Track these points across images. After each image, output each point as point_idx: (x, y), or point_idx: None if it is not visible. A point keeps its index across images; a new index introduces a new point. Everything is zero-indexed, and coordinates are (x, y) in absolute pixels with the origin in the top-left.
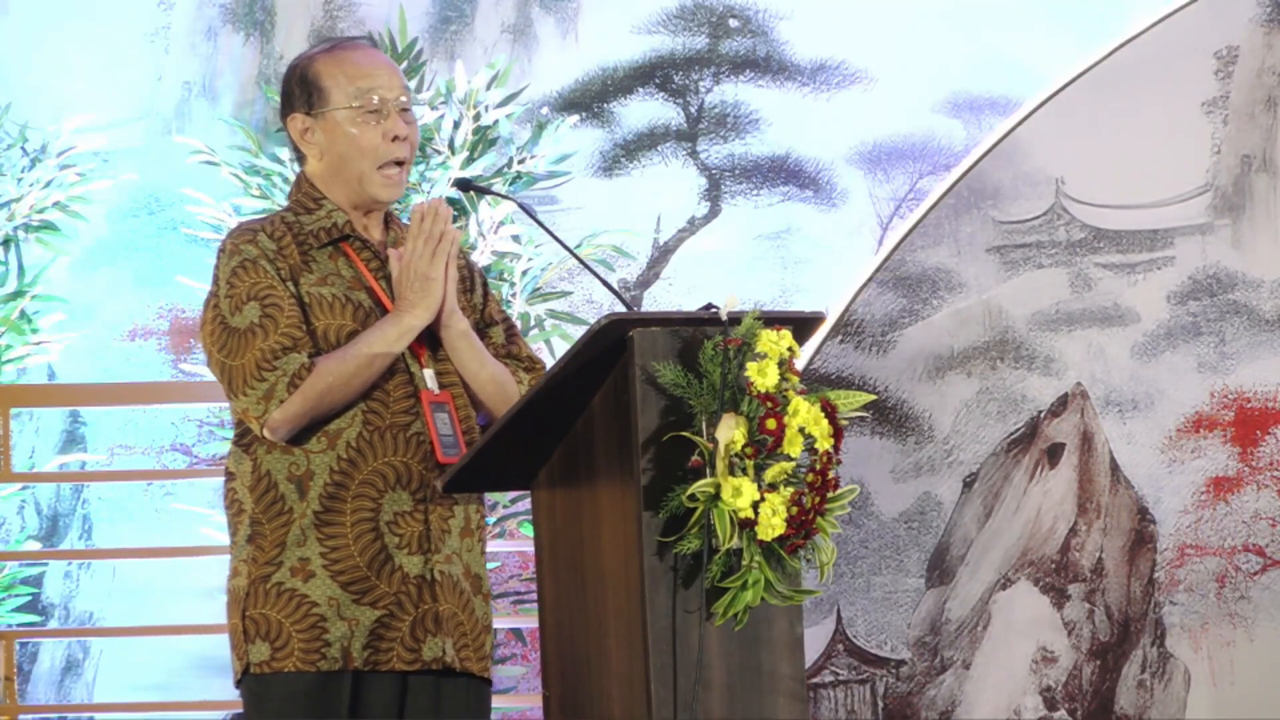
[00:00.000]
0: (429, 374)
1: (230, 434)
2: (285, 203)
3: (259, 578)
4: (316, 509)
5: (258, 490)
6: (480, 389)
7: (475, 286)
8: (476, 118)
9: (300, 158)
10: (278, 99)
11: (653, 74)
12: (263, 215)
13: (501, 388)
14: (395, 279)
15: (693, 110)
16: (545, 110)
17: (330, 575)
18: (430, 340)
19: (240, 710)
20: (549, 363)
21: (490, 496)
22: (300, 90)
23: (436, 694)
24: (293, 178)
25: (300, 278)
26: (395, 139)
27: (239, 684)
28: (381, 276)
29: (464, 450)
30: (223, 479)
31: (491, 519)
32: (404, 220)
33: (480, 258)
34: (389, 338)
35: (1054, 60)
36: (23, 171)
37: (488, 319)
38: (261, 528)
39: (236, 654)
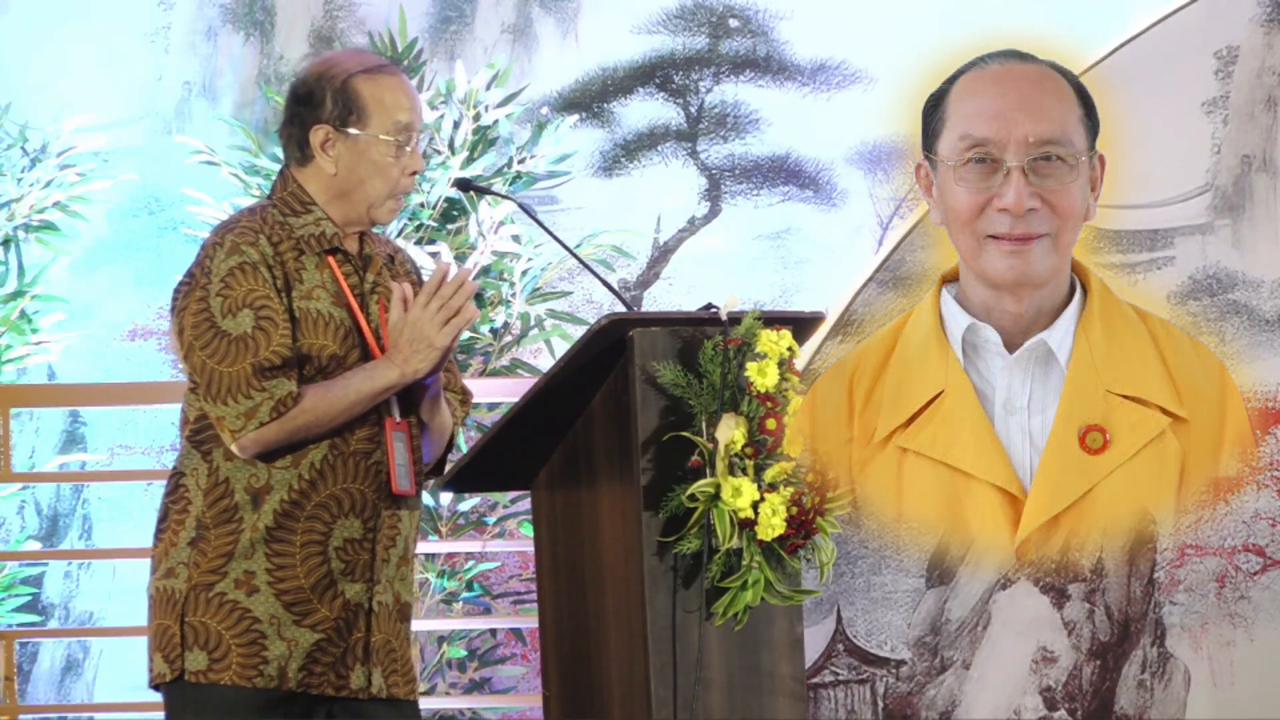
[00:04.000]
0: (393, 399)
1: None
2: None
3: (201, 584)
4: (269, 524)
5: (212, 495)
6: (429, 431)
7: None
8: (476, 118)
9: (301, 159)
10: (278, 99)
11: (653, 74)
12: (250, 208)
13: (444, 434)
14: (393, 322)
15: (693, 110)
16: (545, 110)
17: (274, 593)
18: None
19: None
20: (548, 363)
21: (490, 496)
22: (337, 103)
23: (366, 715)
24: None
25: (292, 288)
26: (412, 174)
27: (161, 686)
28: (359, 294)
29: (414, 483)
30: (170, 475)
31: (491, 519)
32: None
33: (480, 258)
34: (377, 388)
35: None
36: (23, 171)
37: None
38: (207, 533)
39: (164, 656)
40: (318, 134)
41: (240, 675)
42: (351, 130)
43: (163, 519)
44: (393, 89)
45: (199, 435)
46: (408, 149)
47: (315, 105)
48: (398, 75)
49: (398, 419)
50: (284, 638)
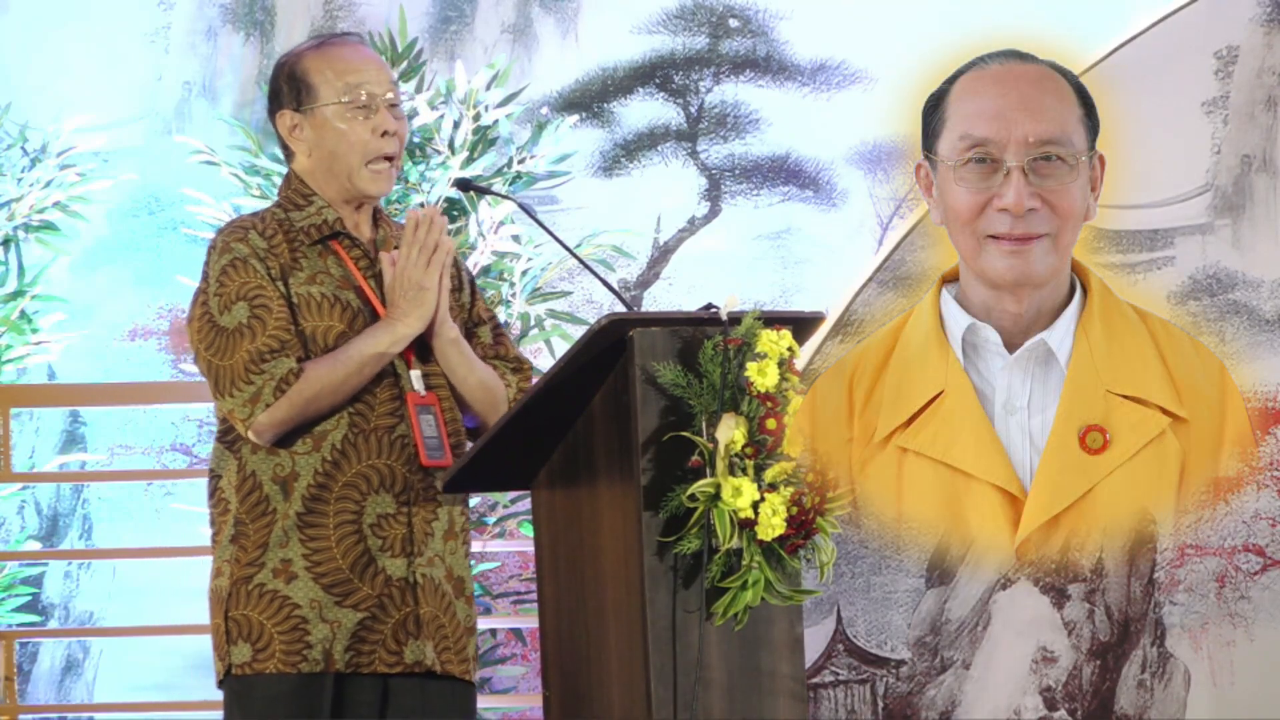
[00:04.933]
0: (415, 375)
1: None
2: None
3: (241, 578)
4: (300, 510)
5: (243, 490)
6: (469, 394)
7: (463, 286)
8: (476, 118)
9: (289, 155)
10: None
11: (653, 74)
12: (254, 211)
13: (490, 392)
14: (388, 285)
15: (693, 110)
16: (545, 110)
17: (313, 577)
18: (418, 342)
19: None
20: (548, 363)
21: (490, 496)
22: (289, 87)
23: (419, 696)
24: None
25: (290, 276)
26: (384, 134)
27: (221, 684)
28: (371, 276)
29: (448, 453)
30: (207, 477)
31: (491, 519)
32: (397, 221)
33: (480, 258)
34: (380, 345)
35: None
36: (23, 171)
37: (475, 319)
38: (245, 528)
39: (218, 654)
40: (284, 122)
41: (284, 662)
42: (308, 107)
43: (211, 523)
44: (339, 56)
45: (227, 435)
46: (373, 110)
47: (276, 96)
48: (347, 44)
49: (421, 394)
50: (326, 620)
